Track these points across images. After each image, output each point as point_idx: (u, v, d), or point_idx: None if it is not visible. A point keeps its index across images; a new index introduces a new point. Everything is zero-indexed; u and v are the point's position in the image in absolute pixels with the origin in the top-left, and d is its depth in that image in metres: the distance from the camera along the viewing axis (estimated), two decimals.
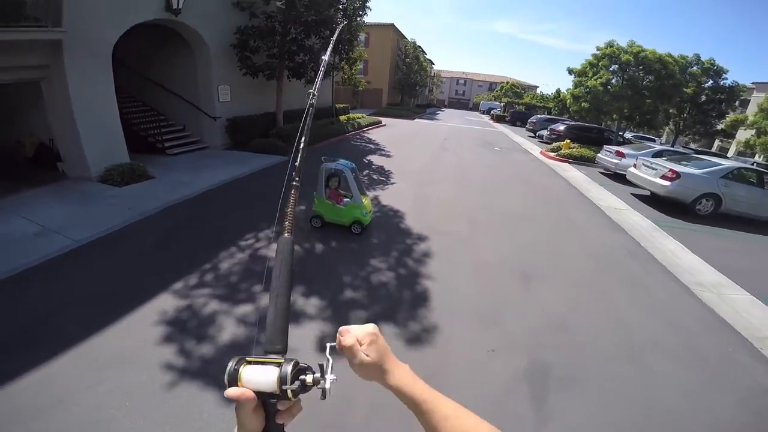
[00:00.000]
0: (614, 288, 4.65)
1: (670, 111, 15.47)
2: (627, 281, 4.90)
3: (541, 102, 37.59)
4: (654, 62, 12.61)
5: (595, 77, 13.72)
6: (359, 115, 19.14)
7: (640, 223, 7.56)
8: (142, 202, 5.46)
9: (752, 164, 11.94)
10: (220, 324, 3.10)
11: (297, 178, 0.76)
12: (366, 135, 15.72)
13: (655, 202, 9.20)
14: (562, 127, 18.71)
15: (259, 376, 0.50)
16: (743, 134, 18.05)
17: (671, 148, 13.65)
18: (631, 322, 3.88)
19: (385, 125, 19.52)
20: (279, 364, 0.50)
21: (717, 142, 25.27)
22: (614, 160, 12.11)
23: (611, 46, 13.74)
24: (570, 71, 15.75)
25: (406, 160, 10.75)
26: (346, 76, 15.99)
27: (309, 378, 0.50)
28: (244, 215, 5.54)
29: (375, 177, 8.48)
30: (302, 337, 3.01)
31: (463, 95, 73.27)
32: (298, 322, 3.17)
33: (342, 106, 18.74)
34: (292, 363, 0.50)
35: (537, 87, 59.56)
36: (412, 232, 5.50)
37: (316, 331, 3.11)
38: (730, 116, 17.55)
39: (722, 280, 5.28)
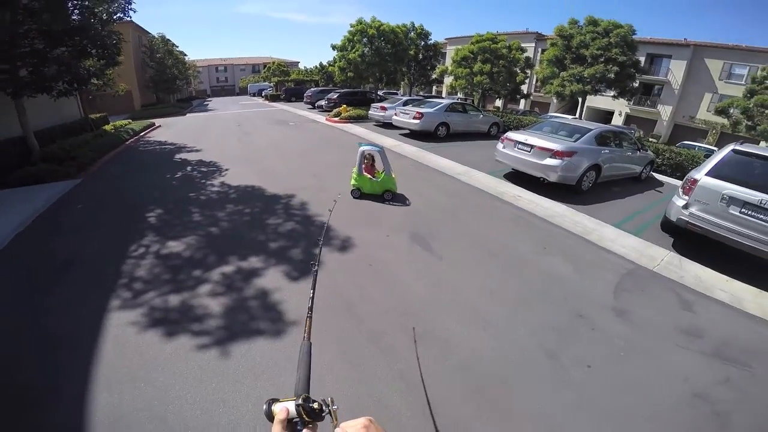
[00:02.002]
0: (418, 185, 7.48)
1: (403, 70, 20.77)
2: (422, 180, 7.89)
3: (307, 76, 40.65)
4: (390, 33, 16.83)
5: (353, 51, 16.90)
6: (124, 121, 16.47)
7: (411, 149, 11.01)
8: None
9: (458, 100, 18.18)
10: (191, 297, 3.57)
11: (310, 312, 1.13)
12: (151, 138, 14.12)
13: (414, 135, 13.16)
14: (335, 96, 21.89)
15: (283, 407, 0.74)
16: (448, 80, 26.01)
17: (411, 98, 18.64)
18: (438, 200, 6.69)
19: (160, 126, 17.68)
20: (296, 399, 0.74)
21: (435, 88, 34.81)
22: (381, 113, 15.80)
23: (361, 23, 17.16)
24: (333, 47, 18.62)
25: (220, 150, 10.89)
26: (101, 83, 13.39)
27: (315, 405, 0.72)
28: (100, 234, 5.04)
29: (204, 170, 8.59)
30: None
31: (227, 81, 69.06)
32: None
33: (99, 115, 15.71)
34: (303, 396, 0.74)
35: (298, 62, 62.79)
36: (282, 194, 6.69)
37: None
38: (438, 67, 25.01)
39: (466, 169, 8.97)
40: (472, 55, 19.49)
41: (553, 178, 7.42)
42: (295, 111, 23.77)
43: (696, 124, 25.87)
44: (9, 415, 2.39)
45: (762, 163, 5.04)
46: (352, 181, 6.49)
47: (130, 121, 17.01)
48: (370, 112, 16.74)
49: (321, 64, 36.85)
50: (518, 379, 2.83)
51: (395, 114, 13.87)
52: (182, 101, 36.74)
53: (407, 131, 13.75)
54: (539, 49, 30.92)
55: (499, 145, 8.54)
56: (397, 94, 28.87)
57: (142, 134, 14.96)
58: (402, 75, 21.01)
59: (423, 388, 2.62)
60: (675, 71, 26.00)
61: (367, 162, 6.48)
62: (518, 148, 8.00)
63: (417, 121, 12.50)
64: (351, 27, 17.29)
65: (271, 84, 43.04)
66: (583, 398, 2.69)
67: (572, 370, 2.94)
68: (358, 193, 6.50)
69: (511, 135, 8.34)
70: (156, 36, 32.31)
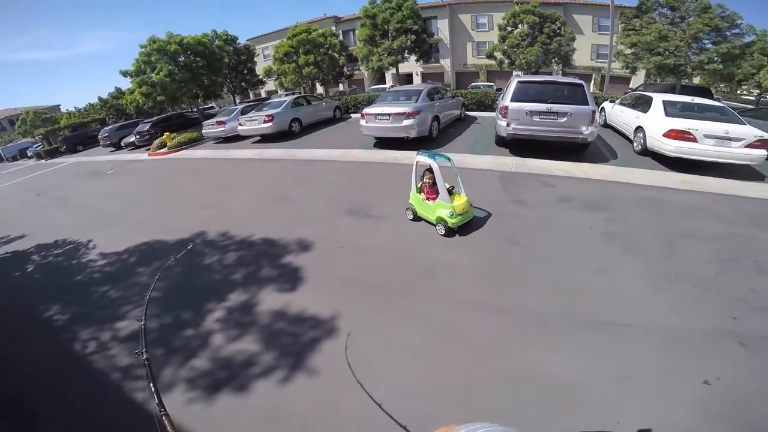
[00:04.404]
0: (315, 177, 7.86)
1: (219, 80, 19.41)
2: (314, 171, 8.30)
3: (86, 116, 32.92)
4: (197, 45, 15.30)
5: (156, 73, 14.76)
6: None
7: (277, 152, 10.99)
8: None
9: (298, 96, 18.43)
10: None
11: (162, 409, 0.93)
12: None
13: (268, 139, 12.94)
14: (146, 127, 18.86)
15: None
16: (270, 80, 25.34)
17: (248, 104, 17.79)
18: (340, 181, 7.24)
19: None
20: None
21: (252, 92, 33.29)
22: (220, 129, 14.59)
23: (155, 42, 14.86)
24: (125, 74, 15.70)
25: (52, 226, 8.27)
26: None
27: None
28: None
29: (58, 252, 6.49)
30: None
31: None
32: None
33: None
34: None
35: (59, 105, 49.46)
36: (187, 237, 5.96)
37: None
38: (262, 67, 24.21)
39: (342, 151, 9.68)
40: (293, 50, 19.76)
41: (413, 134, 8.92)
42: (97, 158, 19.10)
43: (469, 69, 32.88)
44: None
45: (536, 85, 7.70)
46: (409, 199, 5.30)
47: None
48: (204, 131, 15.34)
49: (100, 98, 30.58)
50: (507, 256, 4.05)
51: (240, 124, 13.27)
52: None
53: (258, 138, 13.41)
54: (340, 31, 33.25)
55: (362, 122, 9.57)
56: (213, 108, 26.71)
57: None
58: (219, 86, 19.68)
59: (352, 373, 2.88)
60: (443, 29, 32.05)
61: (428, 180, 4.86)
62: (378, 119, 9.19)
63: (269, 124, 12.34)
64: (142, 48, 14.89)
65: (35, 138, 33.38)
66: (539, 253, 4.09)
67: (527, 244, 4.33)
68: (411, 215, 5.23)
69: (368, 110, 9.46)
70: None
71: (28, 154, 30.82)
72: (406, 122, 8.78)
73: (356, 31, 32.72)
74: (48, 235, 7.65)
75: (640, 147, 7.65)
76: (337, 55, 21.57)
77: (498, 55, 21.21)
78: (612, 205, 5.18)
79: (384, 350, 2.98)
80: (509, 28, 20.81)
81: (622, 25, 17.83)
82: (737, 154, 6.26)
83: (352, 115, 16.69)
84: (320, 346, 3.11)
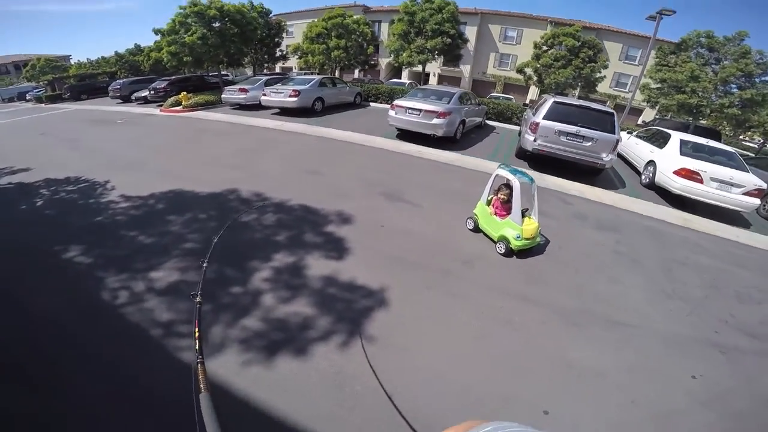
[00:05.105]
0: (341, 156, 8.19)
1: (245, 50, 19.41)
2: (338, 151, 8.63)
3: (96, 68, 32.44)
4: (235, 14, 15.33)
5: (190, 34, 14.76)
6: None
7: (300, 126, 11.15)
8: None
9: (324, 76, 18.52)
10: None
11: (200, 357, 0.93)
12: None
13: (288, 113, 13.18)
14: (164, 84, 18.84)
15: None
16: (295, 57, 25.27)
17: (275, 76, 17.79)
18: (369, 165, 7.58)
19: None
20: None
21: (265, 66, 32.97)
22: (241, 96, 14.73)
23: (196, 5, 14.88)
24: (157, 32, 15.70)
25: (61, 165, 8.21)
26: None
27: None
28: None
29: (71, 188, 6.32)
30: None
31: None
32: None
33: None
34: None
35: (69, 56, 48.23)
36: (220, 191, 6.08)
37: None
38: (290, 45, 24.25)
39: (364, 136, 9.98)
40: (326, 31, 19.89)
41: (440, 133, 9.30)
42: (103, 108, 18.69)
43: (487, 78, 33.36)
44: None
45: (570, 108, 8.05)
46: (475, 209, 5.11)
47: None
48: (224, 95, 15.41)
49: (117, 53, 30.43)
50: (534, 259, 4.46)
51: (264, 94, 13.47)
52: None
53: (277, 110, 13.60)
54: (367, 20, 33.33)
55: (391, 112, 9.90)
56: (228, 76, 26.60)
57: None
58: (245, 56, 19.68)
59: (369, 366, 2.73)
60: (469, 36, 32.33)
61: (502, 196, 4.64)
62: (408, 113, 9.53)
63: (294, 99, 12.60)
64: (181, 9, 14.95)
65: (39, 83, 32.73)
66: (561, 260, 4.51)
67: (550, 251, 4.77)
68: (472, 224, 5.03)
69: (400, 102, 9.77)
70: None
71: (27, 98, 30.14)
72: (435, 121, 9.15)
73: (382, 23, 32.98)
74: (57, 172, 7.35)
75: (647, 180, 8.15)
76: (365, 44, 21.79)
77: (528, 71, 21.51)
78: (620, 229, 5.69)
79: (432, 323, 3.31)
80: (545, 48, 21.04)
81: (657, 59, 17.90)
82: (734, 199, 6.77)
83: (372, 104, 17.02)
84: (374, 315, 3.34)
